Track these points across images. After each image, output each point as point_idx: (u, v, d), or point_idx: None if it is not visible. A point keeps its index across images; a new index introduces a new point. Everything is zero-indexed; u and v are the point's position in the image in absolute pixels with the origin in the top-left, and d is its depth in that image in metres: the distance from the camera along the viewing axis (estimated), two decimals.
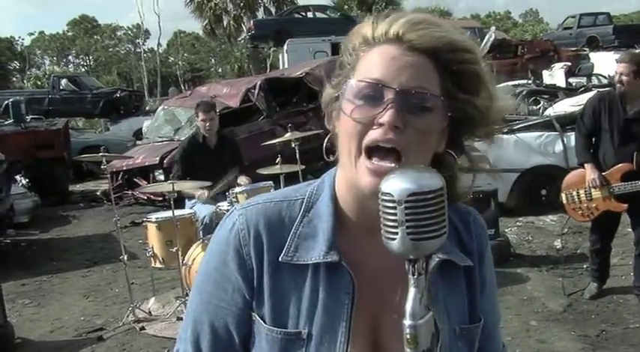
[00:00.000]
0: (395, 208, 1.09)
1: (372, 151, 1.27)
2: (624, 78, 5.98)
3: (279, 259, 1.37)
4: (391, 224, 1.11)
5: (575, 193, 6.45)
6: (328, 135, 1.43)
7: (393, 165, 1.25)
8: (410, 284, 1.14)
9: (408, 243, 1.10)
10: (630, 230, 6.68)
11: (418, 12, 1.36)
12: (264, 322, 1.38)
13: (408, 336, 1.13)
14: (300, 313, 1.37)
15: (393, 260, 1.35)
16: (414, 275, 1.14)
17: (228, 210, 6.67)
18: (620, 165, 6.17)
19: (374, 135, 1.26)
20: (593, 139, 6.39)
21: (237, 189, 7.01)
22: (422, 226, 1.09)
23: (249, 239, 1.39)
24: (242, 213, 1.43)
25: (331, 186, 1.43)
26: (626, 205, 6.18)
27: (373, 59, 1.30)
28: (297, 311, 1.38)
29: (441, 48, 1.28)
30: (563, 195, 6.58)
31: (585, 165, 6.34)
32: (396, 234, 1.10)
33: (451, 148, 1.38)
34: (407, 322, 1.12)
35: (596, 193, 6.29)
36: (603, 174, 6.23)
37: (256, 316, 1.40)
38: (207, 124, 7.63)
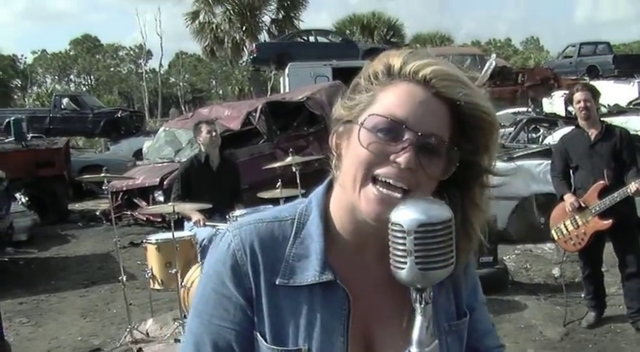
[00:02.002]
0: (404, 238, 1.12)
1: (379, 182, 1.30)
2: (588, 104, 6.31)
3: (277, 283, 1.41)
4: (400, 253, 1.14)
5: (562, 226, 6.60)
6: (334, 159, 1.45)
7: (399, 195, 1.27)
8: (417, 313, 1.17)
9: (416, 273, 1.13)
10: None
11: (449, 62, 1.40)
12: (265, 340, 1.42)
13: None
14: (299, 330, 1.41)
15: (381, 272, 1.39)
16: (421, 304, 1.16)
17: None
18: (594, 185, 6.35)
19: (387, 171, 1.29)
20: (572, 177, 6.63)
21: (236, 212, 7.02)
22: (430, 256, 1.12)
23: (246, 259, 1.42)
24: (236, 234, 1.45)
25: (320, 207, 1.47)
26: (610, 221, 6.28)
27: (399, 96, 1.32)
28: (296, 329, 1.42)
29: (465, 103, 1.31)
30: (553, 232, 6.75)
31: (564, 196, 6.54)
32: (405, 263, 1.13)
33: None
34: (414, 350, 1.15)
35: (580, 219, 6.42)
36: (582, 198, 6.41)
37: (257, 334, 1.43)
38: (214, 135, 7.66)
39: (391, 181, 1.28)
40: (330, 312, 1.41)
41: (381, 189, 1.29)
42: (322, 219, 1.45)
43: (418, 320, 1.16)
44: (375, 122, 1.31)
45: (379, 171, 1.30)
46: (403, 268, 1.13)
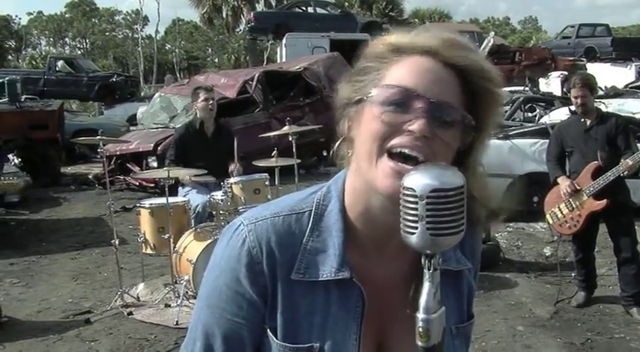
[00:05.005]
0: (416, 203, 1.11)
1: (394, 156, 1.27)
2: (585, 99, 6.36)
3: (292, 277, 1.38)
4: (411, 218, 1.12)
5: (557, 210, 6.63)
6: (340, 140, 1.42)
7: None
8: (425, 279, 1.16)
9: (427, 238, 1.12)
10: None
11: (450, 33, 1.37)
12: (276, 337, 1.40)
13: (420, 329, 1.15)
14: (312, 328, 1.39)
15: (398, 268, 1.40)
16: (429, 269, 1.15)
17: (221, 200, 6.73)
18: (587, 166, 6.39)
19: (402, 140, 1.26)
20: (567, 162, 6.71)
21: (231, 180, 7.01)
22: (441, 222, 1.11)
23: (262, 256, 1.38)
24: (251, 229, 1.41)
25: (339, 198, 1.42)
26: (605, 201, 6.31)
27: (406, 68, 1.30)
28: (310, 326, 1.39)
29: (473, 70, 1.30)
30: (547, 216, 6.77)
31: (558, 179, 6.59)
32: (416, 228, 1.12)
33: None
34: (420, 315, 1.14)
35: (575, 202, 6.46)
36: (575, 181, 6.46)
37: (268, 330, 1.41)
38: (210, 103, 7.59)
39: (406, 151, 1.25)
40: (344, 310, 1.39)
41: (397, 162, 1.26)
42: (342, 212, 1.41)
43: (426, 286, 1.15)
44: (385, 94, 1.28)
45: (394, 142, 1.26)
46: (414, 233, 1.12)
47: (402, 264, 1.40)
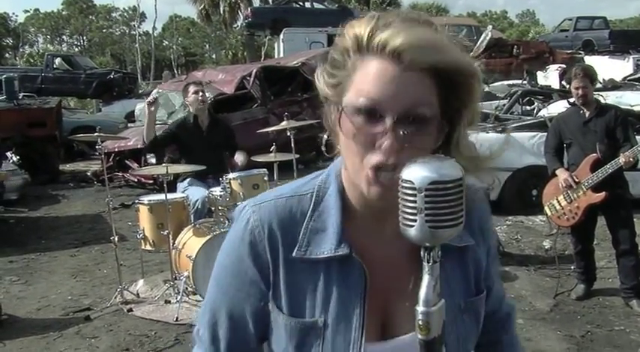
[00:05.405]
0: (415, 195, 1.11)
1: (375, 168, 1.27)
2: (585, 90, 6.33)
3: (293, 255, 1.43)
4: (410, 211, 1.12)
5: (555, 202, 6.61)
6: (326, 133, 1.43)
7: (394, 172, 1.22)
8: (424, 272, 1.15)
9: (425, 231, 1.11)
10: None
11: (417, 21, 1.31)
12: (282, 312, 1.44)
13: (420, 322, 1.14)
14: (316, 304, 1.43)
15: (400, 246, 1.38)
16: (428, 262, 1.15)
17: (220, 196, 6.72)
18: (586, 158, 6.37)
19: (376, 159, 1.26)
20: (565, 153, 6.68)
21: (230, 175, 7.00)
22: (440, 214, 1.11)
23: (264, 236, 1.44)
24: (255, 210, 1.47)
25: (337, 180, 1.46)
26: (603, 193, 6.29)
27: (370, 75, 1.26)
28: (313, 302, 1.43)
29: (442, 68, 1.25)
30: (546, 208, 6.76)
31: (556, 171, 6.57)
32: (415, 221, 1.11)
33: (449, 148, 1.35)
34: (420, 308, 1.14)
35: (573, 194, 6.44)
36: (574, 173, 6.44)
37: (274, 307, 1.45)
38: (201, 95, 7.55)
39: (382, 165, 1.26)
40: (347, 286, 1.42)
41: (377, 172, 1.26)
42: (340, 192, 1.45)
43: (425, 278, 1.15)
44: (352, 110, 1.28)
45: (371, 160, 1.26)
46: (413, 225, 1.12)
47: (404, 243, 1.39)
